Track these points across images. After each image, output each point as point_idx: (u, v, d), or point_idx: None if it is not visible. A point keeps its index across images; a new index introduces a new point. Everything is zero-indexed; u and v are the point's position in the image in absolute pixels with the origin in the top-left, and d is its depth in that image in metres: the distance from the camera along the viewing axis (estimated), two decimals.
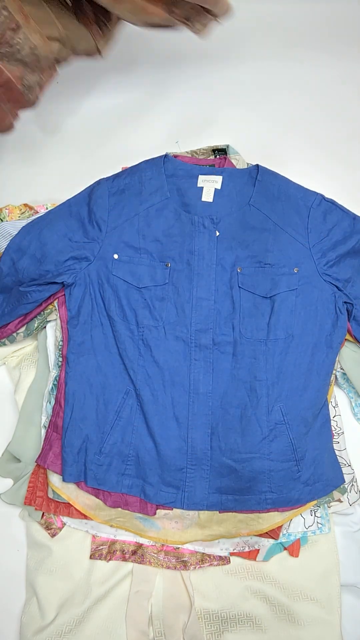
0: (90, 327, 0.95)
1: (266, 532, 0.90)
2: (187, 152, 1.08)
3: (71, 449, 0.90)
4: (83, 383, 0.93)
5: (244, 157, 1.08)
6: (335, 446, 0.98)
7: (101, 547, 0.94)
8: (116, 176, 1.01)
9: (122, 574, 0.94)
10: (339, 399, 1.04)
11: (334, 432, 0.99)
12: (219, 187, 0.97)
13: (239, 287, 0.94)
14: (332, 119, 1.30)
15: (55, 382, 0.98)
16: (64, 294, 0.97)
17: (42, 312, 1.00)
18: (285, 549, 0.93)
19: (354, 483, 0.95)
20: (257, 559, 0.93)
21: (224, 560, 0.94)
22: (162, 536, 0.92)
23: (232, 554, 0.94)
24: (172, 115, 1.30)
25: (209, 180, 0.98)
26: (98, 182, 1.00)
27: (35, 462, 0.94)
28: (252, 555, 0.93)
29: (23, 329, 1.01)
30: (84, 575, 0.93)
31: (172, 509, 0.90)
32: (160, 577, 0.94)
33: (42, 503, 0.94)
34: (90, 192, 0.99)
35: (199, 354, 0.93)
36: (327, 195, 1.00)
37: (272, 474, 0.88)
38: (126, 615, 0.91)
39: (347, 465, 0.97)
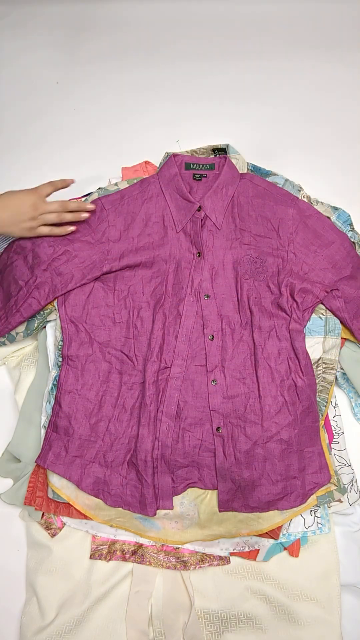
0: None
1: (266, 532, 0.90)
2: (187, 151, 1.08)
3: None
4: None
5: (244, 156, 1.08)
6: (335, 446, 0.98)
7: (101, 547, 0.94)
8: None
9: (122, 574, 0.94)
10: (339, 399, 1.04)
11: (333, 432, 0.99)
12: None
13: None
14: (333, 119, 1.29)
15: (55, 382, 0.98)
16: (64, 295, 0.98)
17: (42, 312, 1.00)
18: (285, 549, 0.93)
19: (354, 483, 0.95)
20: (257, 559, 0.93)
21: (224, 560, 0.94)
22: (162, 536, 0.92)
23: (232, 554, 0.94)
24: (172, 115, 1.30)
25: None
26: None
27: (35, 462, 0.94)
28: (252, 555, 0.93)
29: (23, 328, 1.01)
30: (84, 575, 0.93)
31: (172, 509, 0.90)
32: (160, 577, 0.94)
33: (42, 503, 0.94)
34: None
35: None
36: (327, 196, 1.00)
37: None
38: (126, 615, 0.91)
39: (347, 465, 0.97)
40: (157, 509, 0.90)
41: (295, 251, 0.98)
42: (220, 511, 0.90)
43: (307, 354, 0.95)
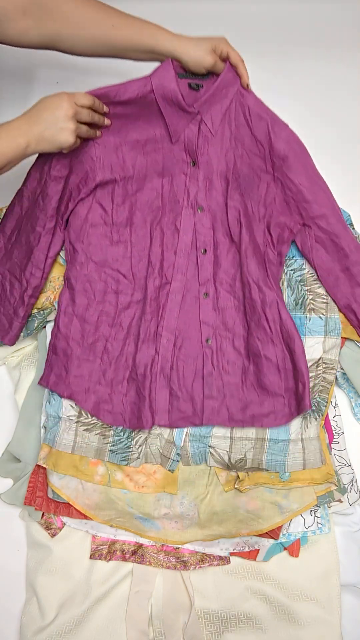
0: None
1: (266, 532, 0.90)
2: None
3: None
4: None
5: None
6: (335, 446, 0.98)
7: (101, 547, 0.94)
8: None
9: (122, 574, 0.94)
10: (339, 399, 1.04)
11: (333, 432, 0.99)
12: None
13: None
14: (333, 119, 1.29)
15: None
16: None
17: (42, 312, 1.00)
18: (285, 549, 0.93)
19: (354, 483, 0.95)
20: (257, 559, 0.93)
21: (224, 560, 0.94)
22: (162, 536, 0.92)
23: (232, 554, 0.94)
24: None
25: None
26: None
27: (39, 383, 0.95)
28: (252, 555, 0.93)
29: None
30: (84, 575, 0.93)
31: (167, 424, 0.91)
32: (160, 577, 0.94)
33: (42, 503, 0.94)
34: None
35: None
36: None
37: None
38: (126, 615, 0.91)
39: (347, 465, 0.97)
40: (153, 424, 0.91)
41: (282, 178, 0.95)
42: (202, 424, 0.91)
43: (277, 279, 0.96)
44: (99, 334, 0.95)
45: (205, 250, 0.96)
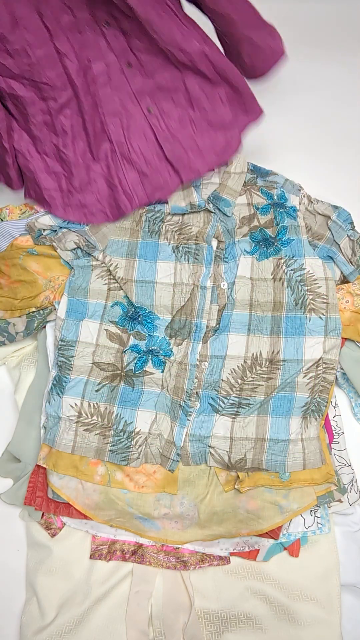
0: None
1: (266, 532, 0.90)
2: None
3: None
4: None
5: (244, 157, 1.07)
6: (335, 446, 0.98)
7: (101, 547, 0.94)
8: None
9: (122, 574, 0.94)
10: (339, 399, 1.04)
11: (333, 432, 0.99)
12: None
13: None
14: (334, 120, 1.29)
15: (55, 382, 0.98)
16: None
17: (41, 312, 1.00)
18: (285, 549, 0.93)
19: (354, 483, 0.96)
20: (257, 559, 0.93)
21: (224, 560, 0.94)
22: (162, 536, 0.92)
23: (232, 554, 0.94)
24: None
25: None
26: None
27: (25, 197, 0.98)
28: (252, 555, 0.93)
29: (23, 328, 1.01)
30: (84, 575, 0.93)
31: (146, 202, 0.94)
32: (160, 577, 0.94)
33: (42, 503, 0.94)
34: None
35: None
36: (323, 194, 1.00)
37: None
38: (126, 615, 0.91)
39: (347, 465, 0.97)
40: (132, 207, 0.94)
41: None
42: (183, 182, 0.96)
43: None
44: (49, 144, 0.95)
45: (107, 23, 0.88)
